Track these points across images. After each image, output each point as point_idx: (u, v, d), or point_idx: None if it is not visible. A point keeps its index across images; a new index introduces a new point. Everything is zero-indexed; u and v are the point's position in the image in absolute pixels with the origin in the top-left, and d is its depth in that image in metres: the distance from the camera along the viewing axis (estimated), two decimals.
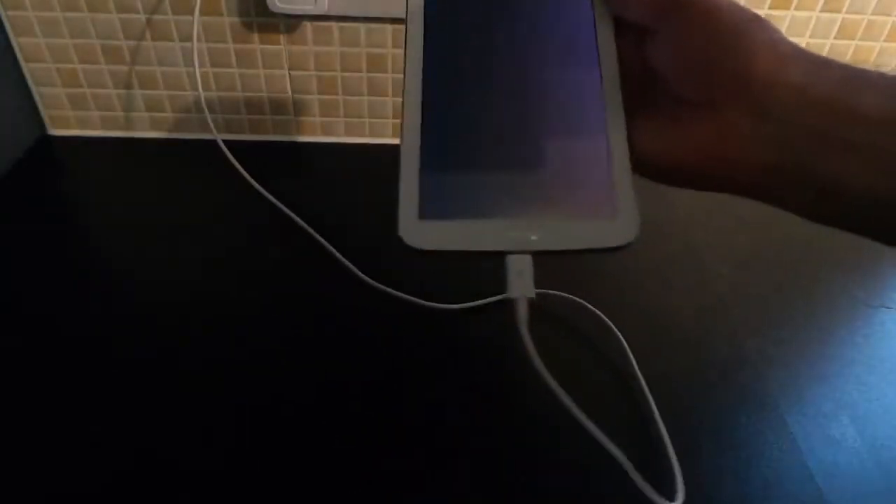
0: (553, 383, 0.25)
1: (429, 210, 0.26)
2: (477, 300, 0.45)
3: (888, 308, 0.48)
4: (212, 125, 0.55)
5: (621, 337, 0.44)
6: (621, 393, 0.41)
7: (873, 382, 0.42)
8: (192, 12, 0.55)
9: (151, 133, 0.64)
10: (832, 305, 0.48)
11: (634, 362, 0.42)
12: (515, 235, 0.25)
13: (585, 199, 0.26)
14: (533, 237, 0.25)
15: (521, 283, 0.25)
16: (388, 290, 0.46)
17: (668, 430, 0.38)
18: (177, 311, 0.45)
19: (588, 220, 0.26)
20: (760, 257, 0.52)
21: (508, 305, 0.25)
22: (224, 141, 0.52)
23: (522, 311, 0.25)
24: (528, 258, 0.25)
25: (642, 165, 0.27)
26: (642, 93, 0.28)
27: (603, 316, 0.45)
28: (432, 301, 0.45)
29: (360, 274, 0.47)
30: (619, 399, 0.40)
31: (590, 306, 0.46)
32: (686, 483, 0.35)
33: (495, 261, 0.25)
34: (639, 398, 0.40)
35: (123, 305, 0.45)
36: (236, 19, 0.57)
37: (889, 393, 0.42)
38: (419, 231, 0.25)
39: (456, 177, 0.27)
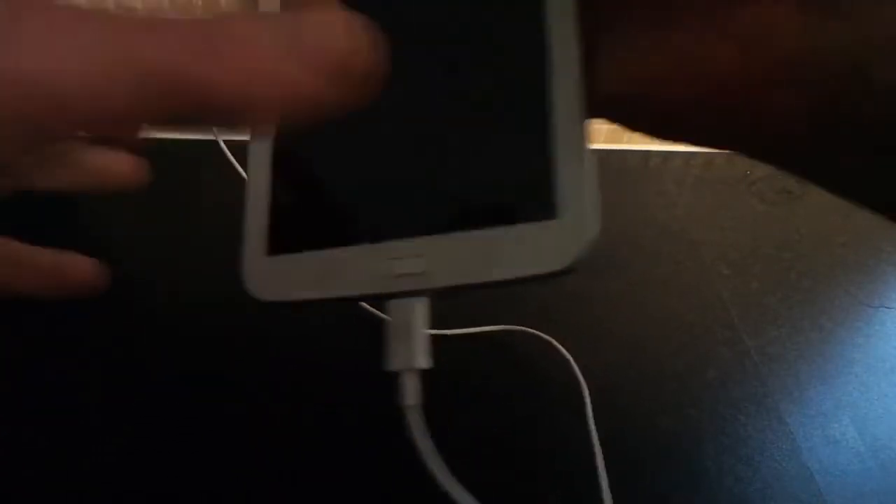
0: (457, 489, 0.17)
1: (281, 242, 0.18)
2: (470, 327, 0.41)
3: (888, 308, 0.48)
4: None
5: (583, 383, 0.40)
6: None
7: (873, 382, 0.42)
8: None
9: (151, 133, 0.64)
10: (832, 305, 0.48)
11: (592, 419, 0.38)
12: (393, 268, 0.16)
13: (504, 194, 0.16)
14: (421, 268, 0.16)
15: (406, 347, 0.17)
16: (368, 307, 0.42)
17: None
18: (173, 310, 0.45)
19: (509, 227, 0.16)
20: (760, 257, 0.52)
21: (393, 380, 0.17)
22: (224, 141, 0.52)
23: (411, 391, 0.17)
24: (418, 303, 0.17)
25: (602, 98, 0.17)
26: None
27: (566, 353, 0.41)
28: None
29: None
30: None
31: (553, 341, 0.42)
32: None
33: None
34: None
35: (121, 303, 0.45)
36: None
37: (889, 393, 0.42)
38: (267, 274, 0.18)
39: (320, 188, 0.18)
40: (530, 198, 0.16)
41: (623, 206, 0.54)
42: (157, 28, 0.14)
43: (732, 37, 0.15)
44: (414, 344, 0.17)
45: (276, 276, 0.18)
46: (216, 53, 0.13)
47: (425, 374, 0.17)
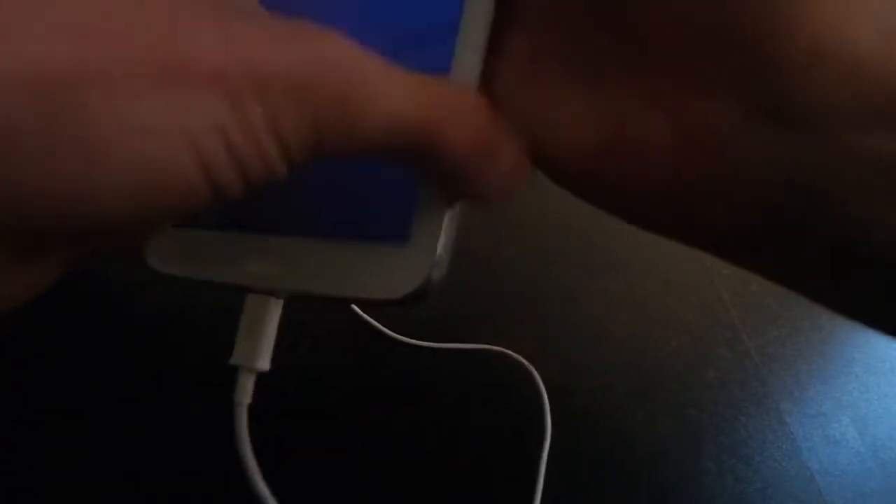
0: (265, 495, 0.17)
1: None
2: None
3: None
4: None
5: (548, 416, 0.37)
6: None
7: (873, 382, 0.42)
8: None
9: None
10: None
11: (546, 455, 0.36)
12: (251, 262, 0.16)
13: (367, 213, 0.16)
14: (273, 268, 0.16)
15: (250, 344, 0.17)
16: (368, 318, 0.41)
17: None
18: (170, 311, 0.45)
19: (362, 245, 0.15)
20: None
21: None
22: None
23: (243, 389, 0.17)
24: (271, 302, 0.17)
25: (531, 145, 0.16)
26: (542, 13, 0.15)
27: (540, 382, 0.39)
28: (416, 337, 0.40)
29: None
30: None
31: (530, 366, 0.40)
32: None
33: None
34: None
35: (117, 299, 0.45)
36: None
37: (889, 393, 0.42)
38: (165, 244, 0.18)
39: None
40: (388, 221, 0.15)
41: None
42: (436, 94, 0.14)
43: (668, 125, 0.14)
44: (258, 343, 0.17)
45: (169, 249, 0.18)
46: (481, 142, 0.14)
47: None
